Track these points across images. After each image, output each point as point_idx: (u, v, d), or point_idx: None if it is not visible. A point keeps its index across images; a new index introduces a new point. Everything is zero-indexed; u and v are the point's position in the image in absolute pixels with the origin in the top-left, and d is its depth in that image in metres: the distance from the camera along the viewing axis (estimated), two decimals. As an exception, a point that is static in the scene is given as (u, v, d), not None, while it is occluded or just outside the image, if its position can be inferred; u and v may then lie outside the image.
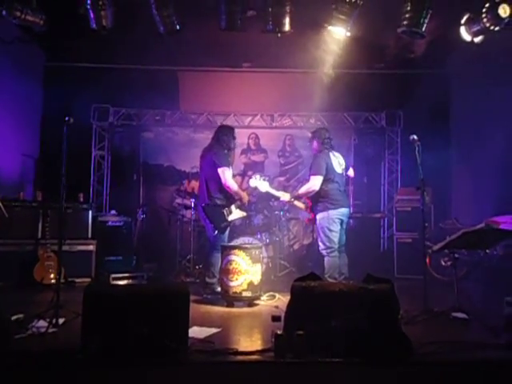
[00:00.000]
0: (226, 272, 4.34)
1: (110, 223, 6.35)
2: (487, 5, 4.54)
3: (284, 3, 4.89)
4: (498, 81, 6.02)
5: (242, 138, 7.88)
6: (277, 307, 4.04)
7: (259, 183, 4.71)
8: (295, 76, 7.62)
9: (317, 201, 4.56)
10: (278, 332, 2.63)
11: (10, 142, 6.40)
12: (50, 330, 3.10)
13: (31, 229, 5.63)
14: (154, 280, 5.94)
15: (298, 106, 7.66)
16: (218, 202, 4.66)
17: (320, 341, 2.56)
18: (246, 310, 4.23)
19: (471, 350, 2.79)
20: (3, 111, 6.21)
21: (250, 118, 7.90)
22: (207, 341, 2.95)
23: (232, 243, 5.35)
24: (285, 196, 4.77)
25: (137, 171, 7.84)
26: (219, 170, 4.59)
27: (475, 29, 4.76)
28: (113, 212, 6.76)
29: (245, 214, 5.06)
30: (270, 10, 4.94)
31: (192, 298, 3.60)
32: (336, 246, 4.45)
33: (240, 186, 7.45)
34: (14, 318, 3.12)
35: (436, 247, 4.05)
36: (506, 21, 4.51)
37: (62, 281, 4.68)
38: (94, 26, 4.85)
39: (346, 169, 4.79)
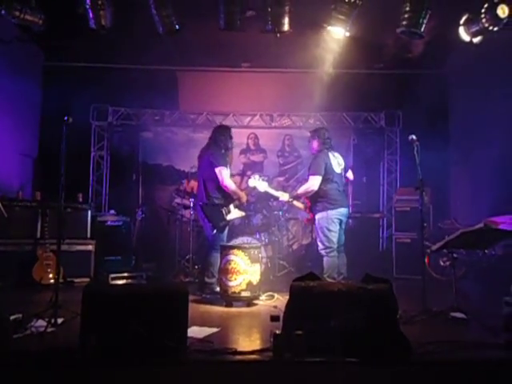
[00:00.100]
0: (224, 272, 4.34)
1: (109, 223, 6.35)
2: (486, 5, 4.54)
3: (283, 3, 4.89)
4: (497, 81, 6.03)
5: (241, 137, 7.91)
6: (275, 307, 4.04)
7: (258, 183, 4.71)
8: (294, 76, 7.62)
9: (316, 201, 4.56)
10: (277, 332, 2.63)
11: (8, 142, 6.39)
12: (49, 330, 3.10)
13: (30, 229, 5.62)
14: (153, 280, 5.94)
15: (297, 106, 7.67)
16: (216, 201, 4.66)
17: (318, 340, 2.56)
18: (244, 309, 4.23)
19: (470, 350, 2.80)
20: (2, 111, 6.20)
21: (249, 118, 7.90)
22: (206, 340, 2.95)
23: (231, 243, 5.35)
24: (284, 196, 4.78)
25: (136, 171, 7.84)
26: (216, 170, 4.59)
27: (474, 29, 4.76)
28: (112, 212, 6.76)
29: (243, 213, 5.06)
30: (269, 10, 4.94)
31: (191, 297, 3.61)
32: (335, 246, 4.45)
33: (239, 186, 7.47)
34: (12, 317, 3.12)
35: (434, 247, 4.06)
36: (505, 21, 4.51)
37: (61, 281, 4.67)
38: (93, 25, 4.85)
39: (345, 169, 4.79)
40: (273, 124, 7.91)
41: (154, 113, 7.74)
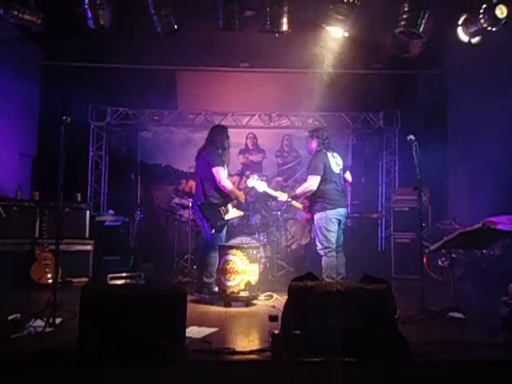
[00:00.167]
0: (223, 272, 4.34)
1: (107, 223, 6.34)
2: (484, 5, 4.55)
3: (282, 3, 4.89)
4: (495, 81, 6.04)
5: (239, 137, 7.91)
6: (274, 307, 4.04)
7: (257, 183, 4.71)
8: (293, 76, 7.63)
9: (314, 201, 4.56)
10: (275, 332, 2.63)
11: (7, 142, 6.39)
12: (47, 330, 3.09)
13: (28, 228, 5.61)
14: (152, 280, 5.94)
15: (295, 106, 7.68)
16: (214, 201, 4.66)
17: (317, 340, 2.56)
18: (243, 309, 4.23)
19: (468, 350, 2.80)
20: (0, 110, 6.19)
21: (247, 118, 7.91)
22: (205, 340, 2.95)
23: (229, 243, 5.35)
24: (282, 196, 4.77)
25: (134, 171, 7.84)
26: (213, 170, 4.60)
27: (472, 29, 4.77)
28: (110, 212, 6.76)
29: (242, 213, 5.06)
30: (267, 10, 4.94)
31: (189, 297, 3.61)
32: (334, 246, 4.45)
33: (238, 186, 7.49)
34: (11, 317, 3.11)
35: (433, 247, 4.06)
36: (503, 21, 4.52)
37: (59, 280, 4.70)
38: (92, 25, 4.84)
39: (344, 169, 4.79)
40: (271, 124, 7.91)
41: (152, 113, 7.74)
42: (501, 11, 4.48)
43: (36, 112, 7.44)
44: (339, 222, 4.53)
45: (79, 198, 6.25)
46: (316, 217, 4.53)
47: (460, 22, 4.86)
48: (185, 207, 6.93)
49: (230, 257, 4.31)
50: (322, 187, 4.51)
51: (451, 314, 3.60)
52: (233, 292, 4.28)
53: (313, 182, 4.49)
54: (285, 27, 4.99)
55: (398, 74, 7.50)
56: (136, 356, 2.49)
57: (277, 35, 5.05)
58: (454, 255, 4.05)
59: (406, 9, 4.61)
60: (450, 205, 7.42)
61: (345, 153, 7.65)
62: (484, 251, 5.57)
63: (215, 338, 3.02)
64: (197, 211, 4.80)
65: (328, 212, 4.46)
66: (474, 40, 4.86)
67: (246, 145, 8.03)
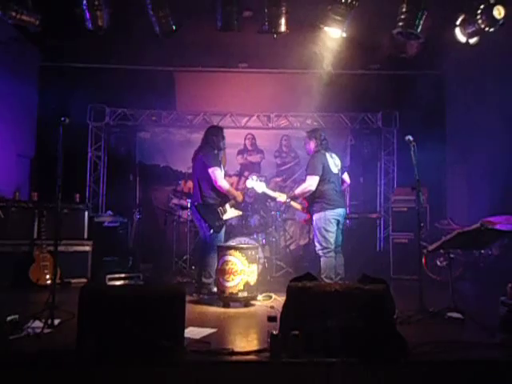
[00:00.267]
0: (222, 272, 4.34)
1: (106, 224, 6.34)
2: (482, 6, 4.56)
3: (280, 4, 4.90)
4: (493, 81, 6.05)
5: (238, 138, 7.92)
6: (273, 307, 4.03)
7: (256, 184, 4.72)
8: (292, 77, 7.64)
9: (313, 201, 4.56)
10: (274, 332, 2.63)
11: (5, 142, 6.38)
12: (46, 331, 3.09)
13: (27, 229, 5.60)
14: (150, 280, 5.93)
15: (294, 107, 7.68)
16: (211, 201, 4.67)
17: (315, 341, 2.57)
18: (242, 310, 4.23)
19: (466, 350, 2.80)
20: (-1, 111, 6.20)
21: (246, 119, 7.91)
22: (203, 341, 2.95)
23: (228, 244, 5.35)
24: (281, 197, 4.77)
25: (133, 171, 7.83)
26: (209, 171, 4.61)
27: (470, 30, 4.78)
28: (109, 212, 6.75)
29: (240, 212, 5.07)
30: (266, 10, 4.95)
31: (188, 298, 3.62)
32: (332, 247, 4.45)
33: (236, 187, 7.49)
34: (9, 318, 3.11)
35: (431, 247, 4.07)
36: (501, 22, 4.53)
37: (58, 281, 4.69)
38: (90, 26, 4.85)
39: (342, 170, 4.80)
40: (270, 124, 7.92)
41: (151, 113, 7.74)
42: (498, 12, 4.49)
43: (34, 113, 7.44)
44: (338, 222, 4.53)
45: (78, 199, 6.24)
46: (315, 217, 4.53)
47: (458, 22, 4.87)
48: (183, 208, 6.93)
49: (229, 257, 4.31)
50: (321, 187, 4.51)
51: (450, 314, 3.61)
52: (231, 292, 4.28)
53: (312, 183, 4.49)
54: (283, 28, 5.00)
55: (397, 74, 7.51)
56: (134, 357, 2.49)
57: (275, 36, 5.06)
58: (452, 255, 4.06)
59: (404, 9, 4.62)
60: (448, 205, 7.43)
61: (343, 153, 7.66)
62: (482, 251, 5.59)
63: (214, 339, 3.02)
64: (194, 212, 4.81)
65: (327, 212, 4.46)
66: (472, 40, 4.87)
67: (245, 145, 8.03)
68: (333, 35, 5.05)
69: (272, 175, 7.93)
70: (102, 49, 6.45)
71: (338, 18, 4.78)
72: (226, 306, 4.30)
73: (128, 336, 2.52)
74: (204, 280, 4.67)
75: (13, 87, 6.43)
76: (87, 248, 5.88)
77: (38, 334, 3.01)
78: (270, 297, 4.62)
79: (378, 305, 2.68)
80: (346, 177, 4.86)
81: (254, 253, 4.43)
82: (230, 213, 4.77)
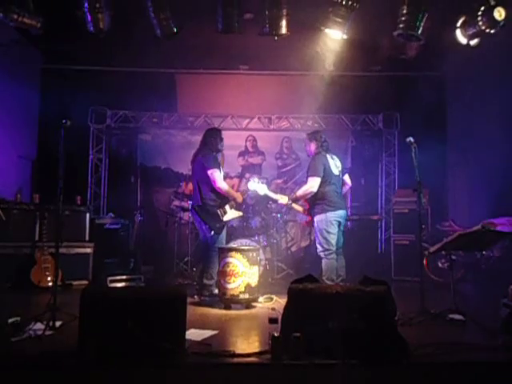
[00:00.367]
0: (223, 274, 4.34)
1: (107, 226, 6.35)
2: (483, 8, 4.56)
3: (281, 6, 4.91)
4: (494, 83, 6.05)
5: (239, 140, 7.93)
6: (274, 309, 4.05)
7: (258, 186, 4.72)
8: (293, 78, 7.65)
9: (314, 203, 4.56)
10: (275, 334, 2.64)
11: (6, 144, 6.40)
12: (47, 333, 3.09)
13: (28, 231, 5.61)
14: (152, 282, 5.93)
15: (295, 109, 7.69)
16: (211, 203, 4.68)
17: (317, 343, 2.56)
18: (243, 312, 4.23)
19: (468, 352, 2.80)
20: (0, 113, 6.20)
21: (247, 121, 7.92)
22: (204, 343, 2.95)
23: (229, 245, 5.35)
24: (283, 199, 4.77)
25: (134, 173, 7.84)
26: (209, 172, 4.62)
27: (471, 31, 4.78)
28: (110, 214, 6.76)
29: (241, 213, 5.07)
30: (266, 13, 4.96)
31: (189, 300, 3.61)
32: (334, 248, 4.45)
33: (237, 188, 7.49)
34: (10, 320, 3.12)
35: (433, 249, 4.06)
36: (502, 24, 4.53)
37: (59, 283, 4.69)
38: (91, 28, 4.86)
39: (343, 171, 4.80)
40: (271, 126, 7.92)
41: (152, 115, 7.76)
42: (499, 13, 4.49)
43: (36, 115, 7.46)
44: (339, 223, 4.53)
45: (79, 201, 6.24)
46: (316, 219, 4.53)
47: (458, 24, 4.87)
48: (185, 209, 6.94)
49: (230, 259, 4.31)
50: (322, 189, 4.51)
51: (451, 315, 3.60)
52: (233, 294, 4.28)
53: (313, 184, 4.49)
54: (284, 30, 5.00)
55: (398, 76, 7.51)
56: (136, 359, 2.50)
57: (276, 38, 5.07)
58: (453, 257, 4.05)
59: (404, 11, 4.62)
60: (449, 206, 7.42)
61: (344, 155, 7.67)
62: (484, 253, 5.57)
63: (215, 341, 3.02)
64: (194, 214, 4.81)
65: (328, 214, 4.46)
66: (473, 42, 4.87)
67: (246, 147, 8.03)
68: (334, 37, 5.06)
69: (273, 177, 7.93)
70: (104, 51, 6.46)
71: (339, 19, 4.79)
72: (228, 307, 4.30)
73: (129, 338, 2.52)
74: (205, 281, 4.67)
75: (14, 89, 6.45)
76: (88, 250, 5.88)
77: (39, 336, 3.01)
78: (271, 299, 4.61)
79: (380, 306, 2.68)
80: (347, 179, 4.85)
81: (255, 255, 4.43)
82: (230, 214, 4.78)
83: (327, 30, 4.98)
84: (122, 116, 7.68)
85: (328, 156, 4.64)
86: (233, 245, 5.65)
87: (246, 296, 4.29)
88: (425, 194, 5.63)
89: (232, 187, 6.18)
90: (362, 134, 8.01)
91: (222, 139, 4.90)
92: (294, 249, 7.49)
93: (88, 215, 6.14)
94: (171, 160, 7.90)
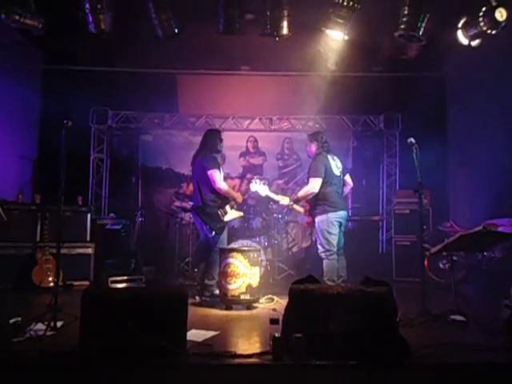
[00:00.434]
0: (224, 275, 4.34)
1: (108, 226, 6.35)
2: (484, 8, 4.56)
3: (282, 7, 4.91)
4: (495, 83, 6.05)
5: (240, 140, 7.93)
6: (275, 310, 4.04)
7: (259, 187, 4.73)
8: (294, 79, 7.64)
9: (315, 204, 4.56)
10: (276, 335, 2.64)
11: (8, 145, 6.40)
12: (48, 333, 3.10)
13: (30, 232, 5.62)
14: (153, 283, 5.93)
15: (296, 109, 7.68)
16: (211, 203, 4.69)
17: (318, 343, 2.56)
18: (244, 312, 4.23)
19: (469, 353, 2.80)
20: (1, 113, 6.21)
21: (248, 121, 7.92)
22: (205, 344, 2.95)
23: (230, 246, 5.34)
24: (284, 200, 4.77)
25: (135, 174, 7.85)
26: (208, 173, 4.63)
27: (472, 32, 4.78)
28: (111, 215, 6.77)
29: (241, 213, 5.08)
30: (268, 13, 4.96)
31: (190, 300, 3.61)
32: (335, 249, 4.45)
33: (239, 189, 7.49)
34: (12, 321, 3.12)
35: (434, 250, 4.06)
36: (503, 24, 4.53)
37: (61, 284, 4.69)
38: (93, 29, 4.87)
39: (344, 172, 4.80)
40: (272, 127, 7.92)
41: (153, 116, 7.76)
42: (500, 14, 4.49)
43: (37, 115, 7.46)
44: (340, 224, 4.53)
45: (80, 202, 6.25)
46: (317, 220, 4.53)
47: (460, 24, 4.86)
48: (186, 210, 6.93)
49: (231, 260, 4.32)
50: (323, 190, 4.51)
51: (452, 316, 3.60)
52: (234, 295, 4.28)
53: (315, 185, 4.49)
54: (285, 31, 5.01)
55: (399, 76, 7.50)
56: (137, 359, 2.50)
57: (277, 39, 5.07)
58: (455, 258, 4.04)
59: (405, 12, 4.62)
60: (450, 207, 7.42)
61: (345, 155, 7.66)
62: (485, 254, 5.56)
63: (216, 341, 3.02)
64: (195, 215, 4.82)
65: (329, 215, 4.46)
66: (474, 43, 4.86)
67: (247, 148, 8.03)
68: (335, 38, 5.06)
69: (274, 178, 7.93)
70: (105, 52, 6.47)
71: (340, 20, 4.79)
72: (229, 308, 4.30)
73: (130, 339, 2.52)
74: (206, 282, 4.68)
75: (16, 90, 6.45)
76: (90, 250, 5.89)
77: (40, 337, 3.02)
78: (273, 299, 4.62)
79: (381, 307, 2.68)
80: (348, 179, 4.85)
81: (256, 255, 4.43)
82: (231, 214, 4.78)
83: (328, 31, 4.98)
84: (124, 116, 7.68)
85: (329, 157, 4.64)
86: (234, 245, 5.65)
87: (247, 297, 4.29)
88: (426, 194, 5.62)
89: (233, 188, 6.18)
90: (363, 135, 8.01)
91: (221, 140, 4.91)
92: (295, 249, 7.48)
93: (89, 216, 6.15)
94: (172, 161, 7.90)
